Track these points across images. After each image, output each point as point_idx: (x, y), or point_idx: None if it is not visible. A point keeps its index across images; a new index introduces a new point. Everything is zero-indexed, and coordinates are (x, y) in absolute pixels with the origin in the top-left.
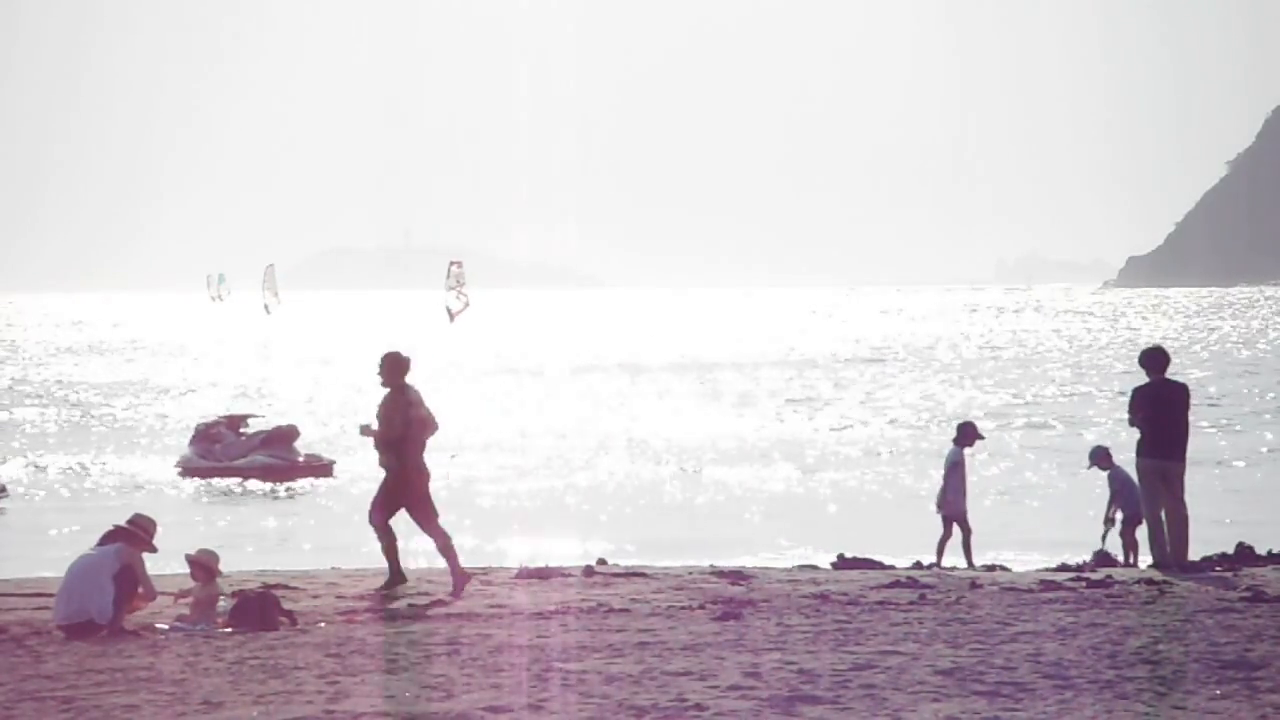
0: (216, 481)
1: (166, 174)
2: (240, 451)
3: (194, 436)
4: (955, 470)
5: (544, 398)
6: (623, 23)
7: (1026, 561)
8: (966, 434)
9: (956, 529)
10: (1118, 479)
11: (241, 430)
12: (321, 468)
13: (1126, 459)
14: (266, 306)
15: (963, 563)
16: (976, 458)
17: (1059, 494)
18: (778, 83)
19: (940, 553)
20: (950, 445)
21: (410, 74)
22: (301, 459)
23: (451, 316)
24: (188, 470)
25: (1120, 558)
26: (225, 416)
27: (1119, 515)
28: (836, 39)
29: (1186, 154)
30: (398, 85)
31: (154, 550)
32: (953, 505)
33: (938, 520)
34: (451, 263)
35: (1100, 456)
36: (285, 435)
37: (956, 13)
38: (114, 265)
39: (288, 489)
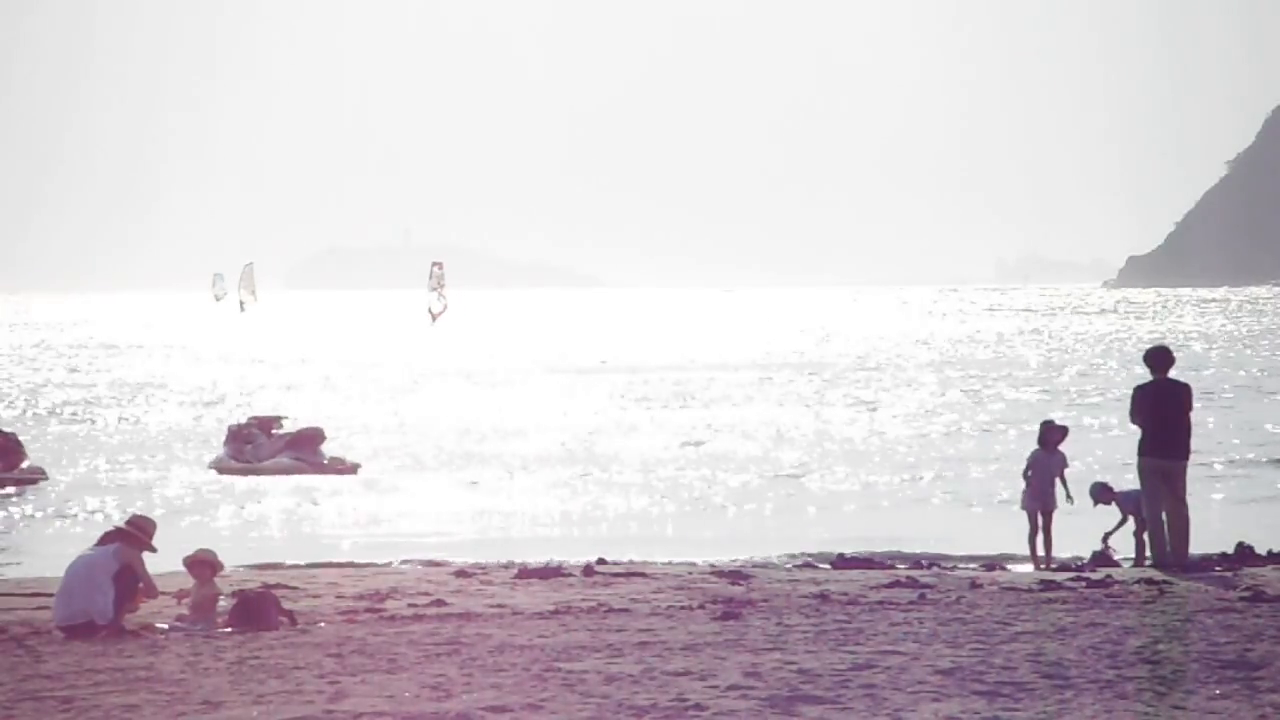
0: (240, 486)
1: (166, 174)
2: (269, 453)
3: (227, 437)
4: (1035, 469)
5: (544, 397)
6: (623, 22)
7: (1027, 561)
8: (1051, 436)
9: (1041, 519)
10: (1124, 500)
11: (273, 431)
12: (346, 469)
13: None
14: (241, 304)
15: (955, 563)
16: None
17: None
18: (777, 82)
19: (1033, 550)
20: (1036, 446)
21: (410, 74)
22: (326, 461)
23: (433, 318)
24: (222, 470)
25: (1118, 558)
26: (256, 418)
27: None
28: (836, 39)
29: (1186, 154)
30: (398, 85)
31: (153, 550)
32: (1041, 502)
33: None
34: (433, 263)
35: (1101, 492)
36: (311, 437)
37: (956, 12)
38: (114, 266)
39: (309, 497)
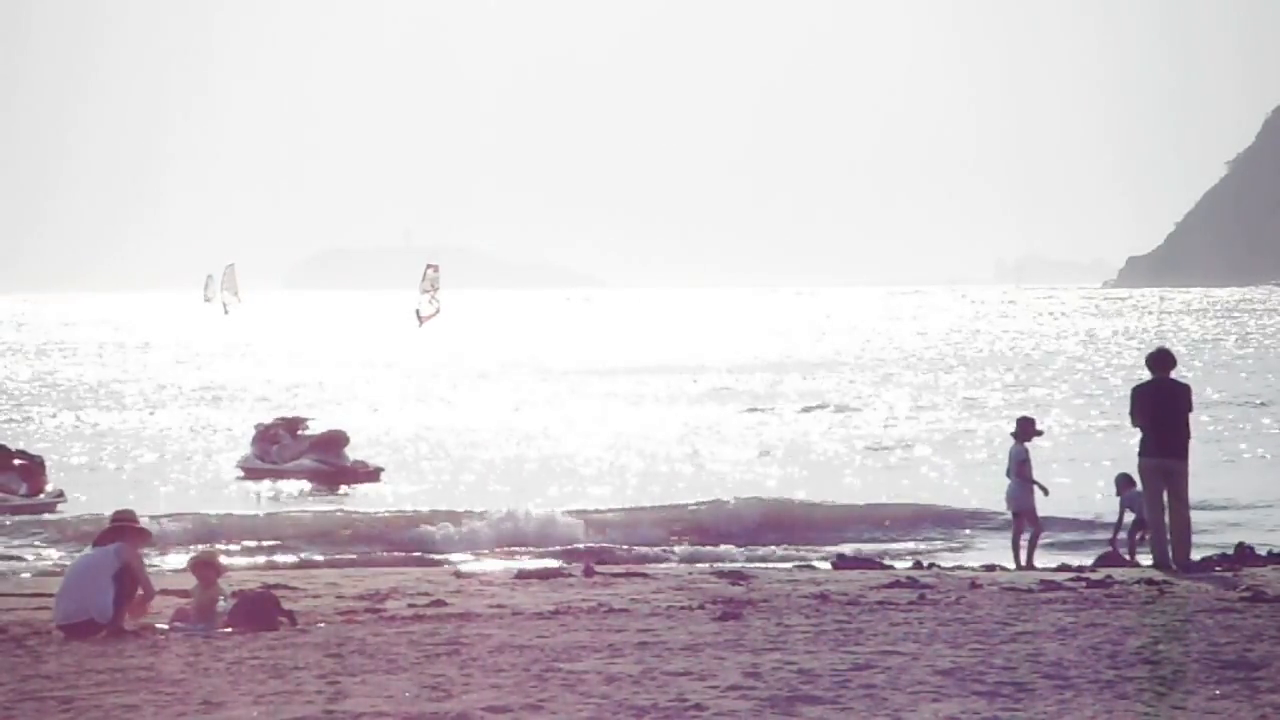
0: (267, 487)
1: (166, 175)
2: (294, 454)
3: (255, 437)
4: (1020, 467)
5: (543, 398)
6: (623, 23)
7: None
8: (1025, 429)
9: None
10: (1126, 500)
11: (299, 433)
12: (369, 474)
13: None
14: (225, 305)
15: (965, 562)
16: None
17: (1061, 493)
18: (779, 84)
19: (1015, 551)
20: (1011, 443)
21: (410, 74)
22: (349, 464)
23: (420, 320)
24: (248, 471)
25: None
26: (283, 419)
27: (1128, 519)
28: (836, 39)
29: (1186, 154)
30: (398, 85)
31: (149, 534)
32: (1019, 501)
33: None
34: (428, 266)
35: (1123, 484)
36: (335, 440)
37: (956, 12)
38: (114, 266)
39: (333, 495)
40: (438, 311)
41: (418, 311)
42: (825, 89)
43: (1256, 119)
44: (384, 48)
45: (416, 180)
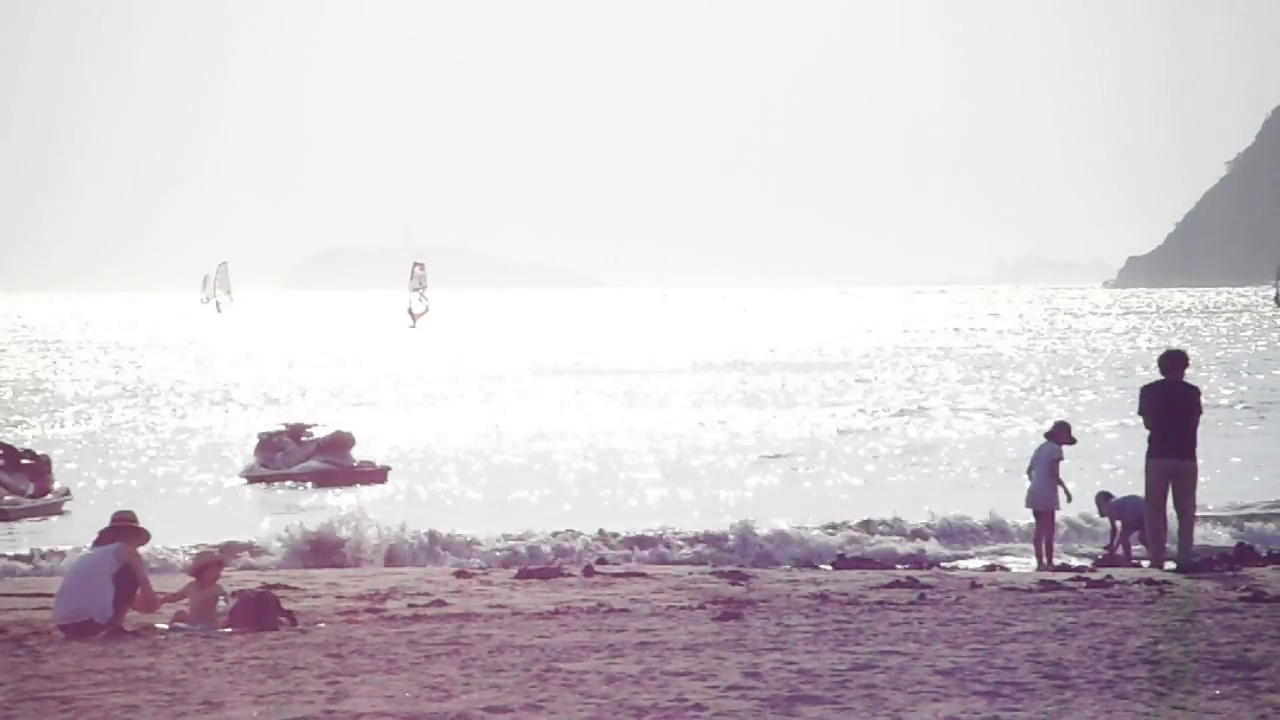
0: (273, 493)
1: (167, 176)
2: (299, 458)
3: (259, 446)
4: (1049, 467)
5: (541, 399)
6: (625, 23)
7: (1027, 561)
8: (1060, 433)
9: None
10: (1112, 509)
11: (303, 438)
12: (375, 473)
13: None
14: (218, 305)
15: (965, 563)
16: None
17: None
18: (777, 83)
19: (1038, 550)
20: (1043, 441)
21: (409, 74)
22: (355, 465)
23: (413, 319)
24: (252, 479)
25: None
26: (287, 426)
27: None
28: (835, 39)
29: (1186, 154)
30: (397, 85)
31: (148, 534)
32: (1045, 500)
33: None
34: (415, 264)
35: (1102, 501)
36: (340, 442)
37: (956, 12)
38: (115, 267)
39: (339, 495)
40: (428, 309)
41: (410, 310)
42: (824, 89)
43: (1256, 119)
44: (383, 48)
45: (416, 180)
